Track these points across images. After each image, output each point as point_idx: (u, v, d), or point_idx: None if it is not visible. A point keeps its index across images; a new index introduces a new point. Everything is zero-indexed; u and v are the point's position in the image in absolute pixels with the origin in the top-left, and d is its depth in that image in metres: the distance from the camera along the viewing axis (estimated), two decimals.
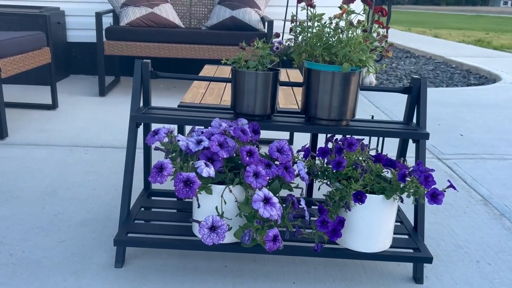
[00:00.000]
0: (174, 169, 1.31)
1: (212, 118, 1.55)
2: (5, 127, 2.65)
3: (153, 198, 1.77)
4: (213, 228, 1.29)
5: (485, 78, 5.82)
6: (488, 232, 1.91)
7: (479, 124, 3.49)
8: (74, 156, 2.47)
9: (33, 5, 4.19)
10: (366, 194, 1.35)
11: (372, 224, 1.41)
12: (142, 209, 1.65)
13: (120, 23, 3.78)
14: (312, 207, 1.81)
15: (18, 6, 4.16)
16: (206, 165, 1.30)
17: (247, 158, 1.34)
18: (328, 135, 1.56)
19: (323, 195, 1.46)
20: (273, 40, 3.97)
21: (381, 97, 4.18)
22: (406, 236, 1.58)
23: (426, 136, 1.55)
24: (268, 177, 1.35)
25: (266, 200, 1.29)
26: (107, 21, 4.17)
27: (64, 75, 4.38)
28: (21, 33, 2.92)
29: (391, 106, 3.89)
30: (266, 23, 3.71)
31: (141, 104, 1.65)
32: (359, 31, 1.48)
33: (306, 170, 1.49)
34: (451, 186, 1.39)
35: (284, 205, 1.38)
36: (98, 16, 3.55)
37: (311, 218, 1.54)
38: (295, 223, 1.38)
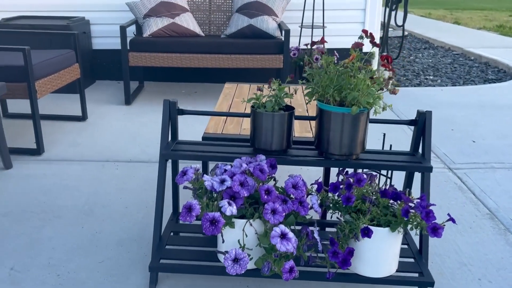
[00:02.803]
0: (201, 207, 1.48)
1: (234, 153, 1.71)
2: (41, 143, 2.87)
3: (181, 222, 1.96)
4: (236, 260, 1.47)
5: (503, 72, 5.83)
6: (491, 248, 2.04)
7: (493, 128, 3.57)
8: (106, 172, 2.67)
9: (62, 16, 4.39)
10: (373, 229, 1.51)
11: (379, 252, 1.56)
12: (172, 233, 1.84)
13: (143, 34, 3.95)
14: (327, 228, 1.97)
15: (48, 17, 4.36)
16: (229, 204, 1.47)
17: (265, 197, 1.51)
18: (340, 169, 1.71)
19: (335, 227, 1.61)
20: (291, 47, 4.12)
21: (398, 98, 4.27)
22: (412, 260, 1.73)
23: (430, 169, 1.69)
24: (284, 213, 1.52)
25: (283, 236, 1.46)
26: (131, 29, 4.34)
27: (91, 81, 4.59)
28: (53, 53, 3.11)
29: (407, 109, 3.98)
30: (283, 31, 3.83)
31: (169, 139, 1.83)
32: (366, 74, 1.62)
33: (319, 202, 1.64)
34: (451, 219, 1.53)
35: (300, 236, 1.55)
36: (123, 29, 3.72)
37: (324, 242, 1.71)
38: (309, 252, 1.55)
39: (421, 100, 4.31)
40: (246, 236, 1.54)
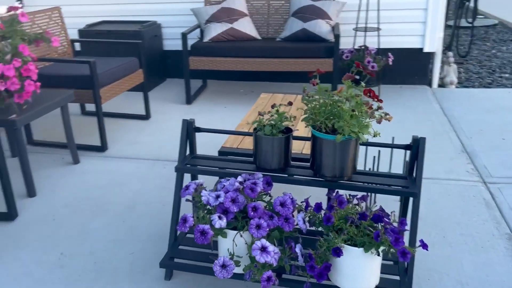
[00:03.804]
0: (195, 219, 1.74)
1: (238, 170, 1.94)
2: (105, 141, 3.31)
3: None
4: (223, 266, 1.71)
5: None
6: (496, 269, 2.07)
7: None
8: (154, 170, 3.03)
9: (137, 20, 4.85)
10: (348, 248, 1.66)
11: (356, 268, 1.71)
12: (187, 235, 2.12)
13: (204, 39, 4.26)
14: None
15: (125, 21, 4.85)
16: (220, 218, 1.71)
17: (252, 213, 1.72)
18: (328, 190, 1.87)
19: (317, 244, 1.78)
20: (344, 49, 4.20)
21: (456, 101, 4.17)
22: (397, 277, 1.85)
23: (415, 195, 1.78)
24: (268, 228, 1.73)
25: (263, 249, 1.67)
26: (198, 33, 4.67)
27: (162, 79, 5.03)
28: (118, 61, 3.53)
29: (462, 114, 3.89)
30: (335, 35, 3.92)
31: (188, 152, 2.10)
32: (355, 105, 1.74)
33: (307, 219, 1.82)
34: (422, 245, 1.63)
35: (284, 248, 1.75)
36: (184, 35, 4.05)
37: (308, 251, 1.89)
38: (291, 263, 1.74)
39: (482, 104, 4.16)
40: (236, 245, 1.77)
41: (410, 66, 4.67)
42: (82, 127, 3.78)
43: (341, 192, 1.91)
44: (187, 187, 1.83)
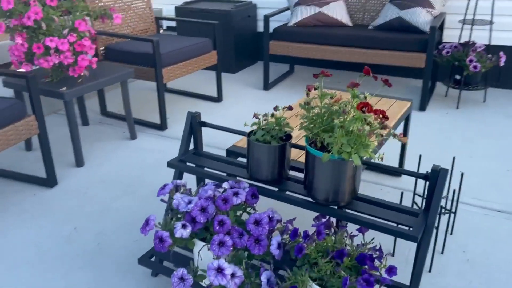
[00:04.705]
0: (160, 224, 1.61)
1: (228, 175, 1.76)
2: (164, 121, 3.32)
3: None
4: (182, 279, 1.56)
5: None
6: None
7: None
8: None
9: (230, 0, 4.79)
10: None
11: None
12: None
13: (289, 23, 4.02)
14: None
15: (220, 0, 4.82)
16: (184, 227, 1.56)
17: (217, 227, 1.53)
18: (317, 215, 1.58)
19: (285, 277, 1.53)
20: (445, 43, 3.71)
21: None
22: None
23: (415, 239, 1.41)
24: (235, 248, 1.52)
25: (220, 270, 1.48)
26: (288, 16, 4.45)
27: (252, 62, 4.92)
28: (188, 41, 3.50)
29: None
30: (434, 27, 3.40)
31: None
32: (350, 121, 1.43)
33: (283, 243, 1.57)
34: None
35: (249, 273, 1.54)
36: (266, 18, 3.87)
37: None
38: None
39: None
40: (201, 259, 1.60)
41: None
42: (154, 103, 3.85)
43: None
44: (164, 187, 1.70)
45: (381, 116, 1.41)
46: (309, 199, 1.60)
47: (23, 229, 2.25)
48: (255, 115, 1.70)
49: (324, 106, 1.53)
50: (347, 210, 1.55)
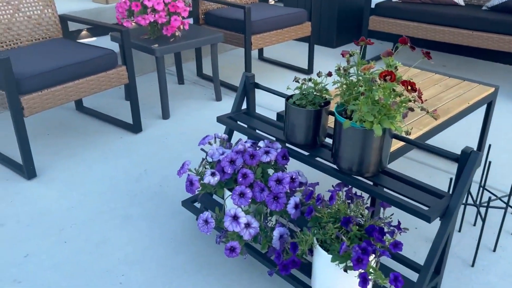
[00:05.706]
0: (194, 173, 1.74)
1: (267, 134, 1.83)
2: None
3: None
4: (206, 222, 1.69)
5: None
6: None
7: None
8: None
9: None
10: (319, 250, 1.42)
11: (324, 271, 1.45)
12: None
13: None
14: None
15: None
16: (212, 175, 1.67)
17: (241, 179, 1.62)
18: (338, 183, 1.58)
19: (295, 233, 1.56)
20: None
21: None
22: None
23: (428, 219, 1.35)
24: (254, 200, 1.61)
25: (235, 218, 1.57)
26: None
27: (356, 37, 4.81)
28: (282, 10, 3.55)
29: None
30: None
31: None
32: (376, 89, 1.40)
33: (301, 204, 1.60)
34: (394, 283, 1.26)
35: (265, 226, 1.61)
36: None
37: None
38: (269, 245, 1.60)
39: None
40: (226, 207, 1.71)
41: None
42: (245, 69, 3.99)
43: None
44: (205, 137, 1.83)
45: (409, 87, 1.35)
46: (335, 166, 1.61)
47: (104, 165, 2.57)
48: (296, 79, 1.73)
49: (359, 74, 1.51)
50: (368, 182, 1.52)
